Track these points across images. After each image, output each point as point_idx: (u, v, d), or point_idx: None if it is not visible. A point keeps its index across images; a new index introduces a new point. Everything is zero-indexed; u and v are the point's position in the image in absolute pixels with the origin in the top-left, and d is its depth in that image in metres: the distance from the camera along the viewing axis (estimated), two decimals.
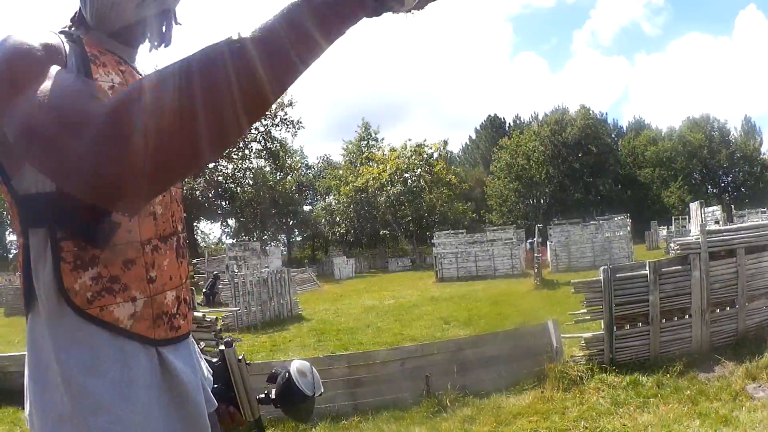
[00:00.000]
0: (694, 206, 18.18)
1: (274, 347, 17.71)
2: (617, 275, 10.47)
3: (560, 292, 24.66)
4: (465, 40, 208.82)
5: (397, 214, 74.98)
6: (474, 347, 10.07)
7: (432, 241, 45.59)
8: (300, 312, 25.70)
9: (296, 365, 2.32)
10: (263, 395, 2.33)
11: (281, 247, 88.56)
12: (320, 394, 2.31)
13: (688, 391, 8.63)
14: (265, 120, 74.87)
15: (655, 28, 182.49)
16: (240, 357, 2.29)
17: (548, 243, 40.59)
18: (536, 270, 29.84)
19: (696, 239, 10.63)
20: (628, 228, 40.37)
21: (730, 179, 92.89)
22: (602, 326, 10.45)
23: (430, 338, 16.61)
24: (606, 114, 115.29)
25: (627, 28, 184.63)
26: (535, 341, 10.39)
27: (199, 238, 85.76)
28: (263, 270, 26.14)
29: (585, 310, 10.69)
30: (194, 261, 43.43)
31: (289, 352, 16.60)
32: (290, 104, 75.14)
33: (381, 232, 78.82)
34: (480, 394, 9.40)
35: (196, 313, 10.08)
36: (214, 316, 9.99)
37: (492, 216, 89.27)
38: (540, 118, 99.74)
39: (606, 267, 10.65)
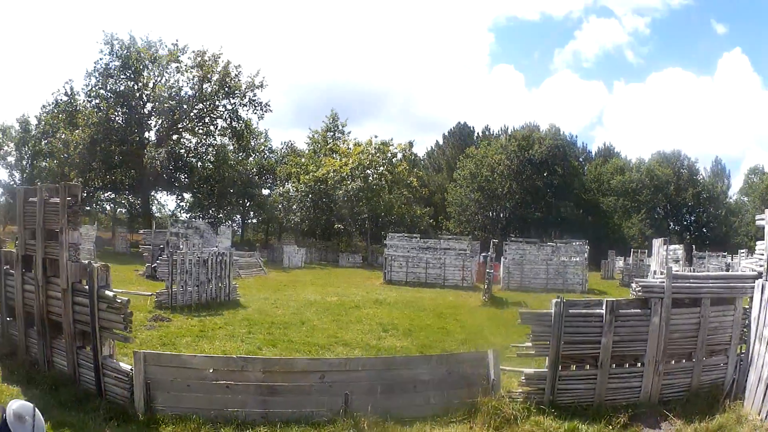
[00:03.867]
0: (657, 243, 17.61)
1: (202, 333, 16.82)
2: (570, 311, 9.76)
3: (507, 312, 24.14)
4: (446, 44, 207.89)
5: (354, 210, 74.11)
6: (404, 368, 9.28)
7: (385, 241, 44.75)
8: (238, 298, 24.87)
9: (14, 408, 2.16)
10: None
11: (235, 228, 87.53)
12: None
13: None
14: (233, 99, 73.83)
15: (638, 57, 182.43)
16: None
17: (502, 259, 40.05)
18: (486, 286, 29.17)
19: (661, 283, 9.93)
20: (586, 254, 39.85)
21: (693, 218, 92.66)
22: (546, 364, 9.76)
23: (364, 345, 15.88)
24: (576, 137, 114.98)
25: (609, 53, 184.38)
26: (471, 370, 9.62)
27: (155, 208, 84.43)
28: (204, 250, 25.29)
29: (530, 344, 9.96)
30: (140, 231, 42.30)
31: (216, 341, 15.75)
32: (260, 86, 74.27)
33: (335, 226, 77.96)
34: (403, 421, 8.62)
35: (107, 292, 9.22)
36: (126, 298, 9.07)
37: (449, 224, 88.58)
38: (510, 131, 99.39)
39: (559, 300, 9.86)
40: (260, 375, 8.75)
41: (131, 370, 9.04)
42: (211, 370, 8.77)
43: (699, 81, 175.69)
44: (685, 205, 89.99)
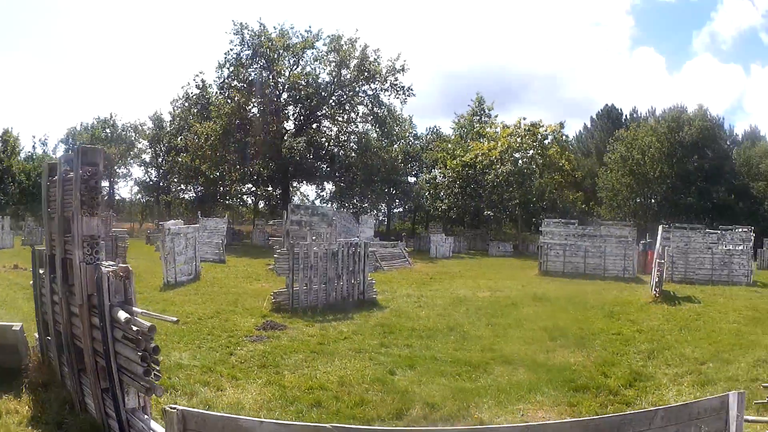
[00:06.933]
0: None
1: (320, 346, 13.32)
2: None
3: (684, 312, 20.65)
4: (587, 28, 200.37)
5: (504, 196, 70.45)
6: None
7: (540, 228, 40.85)
8: (374, 296, 21.54)
9: None
10: None
11: (380, 217, 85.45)
12: None
13: None
14: (374, 84, 71.09)
15: None
16: None
17: (665, 248, 35.67)
18: (658, 279, 24.73)
19: None
20: (751, 243, 35.59)
21: None
22: None
23: (530, 363, 12.07)
24: (723, 118, 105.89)
25: (745, 35, 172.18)
26: (706, 425, 5.51)
27: (296, 198, 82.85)
28: (339, 240, 22.10)
29: None
30: (270, 222, 40.18)
31: (335, 358, 12.15)
32: (402, 70, 70.98)
33: (485, 213, 74.28)
34: None
35: (121, 314, 5.73)
36: (147, 323, 5.48)
37: (601, 210, 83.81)
38: (657, 114, 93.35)
39: None
40: None
41: None
42: None
43: None
44: None
